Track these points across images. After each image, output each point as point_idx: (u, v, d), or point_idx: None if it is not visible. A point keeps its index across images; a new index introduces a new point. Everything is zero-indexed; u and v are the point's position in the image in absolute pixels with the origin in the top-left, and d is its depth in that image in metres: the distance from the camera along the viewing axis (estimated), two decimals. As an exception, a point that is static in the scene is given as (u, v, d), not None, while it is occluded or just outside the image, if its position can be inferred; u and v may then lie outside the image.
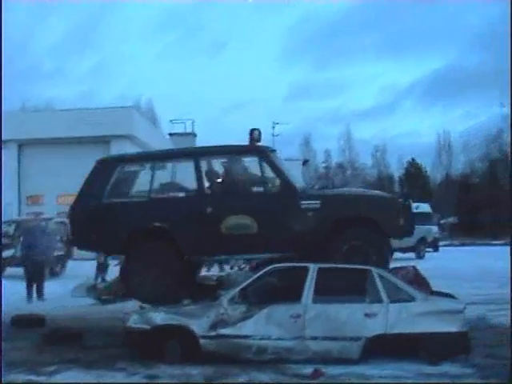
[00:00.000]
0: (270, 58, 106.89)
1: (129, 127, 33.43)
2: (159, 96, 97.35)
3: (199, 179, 10.23)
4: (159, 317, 9.00)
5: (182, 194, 10.49)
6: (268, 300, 8.89)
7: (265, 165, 10.21)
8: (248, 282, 9.16)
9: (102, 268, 19.76)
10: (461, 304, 9.01)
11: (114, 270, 18.61)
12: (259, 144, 10.98)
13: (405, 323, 8.62)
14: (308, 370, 8.15)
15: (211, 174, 10.45)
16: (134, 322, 9.12)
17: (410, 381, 7.80)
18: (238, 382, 7.84)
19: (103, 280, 18.80)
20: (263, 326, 8.66)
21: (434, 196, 61.36)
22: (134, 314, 9.41)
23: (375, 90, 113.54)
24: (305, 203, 10.04)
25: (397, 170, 71.13)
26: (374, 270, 9.02)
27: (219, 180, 10.51)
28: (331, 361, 8.47)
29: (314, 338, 8.60)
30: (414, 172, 70.15)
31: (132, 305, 9.69)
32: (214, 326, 8.72)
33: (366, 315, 8.63)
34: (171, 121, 44.11)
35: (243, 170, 10.59)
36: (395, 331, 8.57)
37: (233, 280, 10.00)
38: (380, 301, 8.74)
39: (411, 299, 8.82)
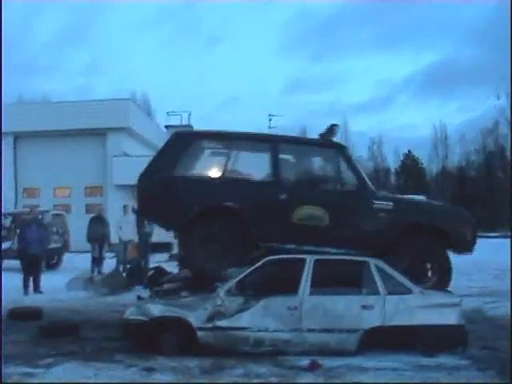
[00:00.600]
0: (266, 52, 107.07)
1: (125, 119, 33.40)
2: (155, 90, 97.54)
3: (275, 165, 10.15)
4: (156, 308, 8.99)
5: (256, 178, 10.35)
6: (265, 292, 8.92)
7: (342, 160, 10.23)
8: (245, 273, 9.17)
9: (97, 261, 19.79)
10: (457, 297, 9.08)
11: (109, 263, 18.73)
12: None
13: (402, 315, 8.68)
14: (305, 362, 8.17)
15: (288, 162, 10.45)
16: (131, 313, 9.12)
17: (407, 373, 7.83)
18: (235, 375, 7.83)
19: (99, 273, 18.86)
20: (260, 318, 8.69)
21: (431, 188, 61.52)
22: (131, 305, 9.42)
23: (372, 84, 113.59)
24: (378, 203, 10.06)
25: (393, 163, 71.23)
26: (372, 262, 9.07)
27: (295, 169, 10.53)
28: (328, 353, 8.51)
29: (311, 330, 8.64)
30: (410, 164, 70.30)
31: (129, 297, 9.69)
32: (211, 318, 8.74)
33: (363, 307, 8.68)
34: (168, 113, 44.00)
35: (320, 163, 10.66)
36: (392, 323, 8.63)
37: (230, 271, 10.00)
38: (377, 293, 8.80)
39: (408, 292, 8.88)
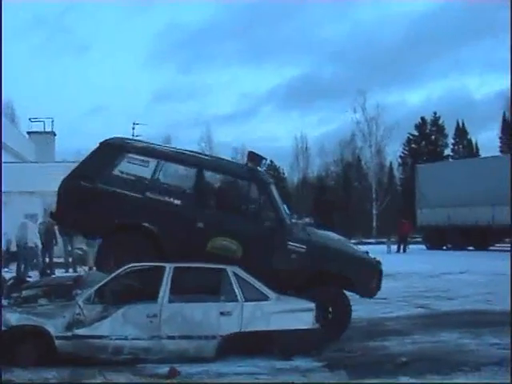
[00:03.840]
0: (135, 62, 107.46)
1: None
2: (21, 96, 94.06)
3: (197, 191, 10.20)
4: (14, 317, 8.72)
5: (177, 202, 10.19)
6: (125, 300, 8.90)
7: (264, 196, 10.33)
8: (104, 281, 9.11)
9: None
10: (312, 303, 9.39)
11: None
12: (261, 172, 11.01)
13: (259, 321, 8.91)
14: (164, 369, 8.22)
15: (210, 189, 10.41)
16: (-15, 323, 8.83)
17: (263, 376, 8.07)
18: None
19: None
20: (119, 326, 8.66)
21: (292, 197, 62.99)
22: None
23: (236, 96, 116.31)
24: (292, 244, 10.18)
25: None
26: (230, 270, 9.25)
27: (217, 199, 10.45)
28: (187, 360, 8.59)
29: (171, 338, 8.71)
30: (272, 174, 71.65)
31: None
32: (69, 327, 8.61)
33: (222, 314, 8.85)
34: (30, 119, 42.91)
35: (242, 195, 10.59)
36: (250, 329, 8.84)
37: (90, 280, 9.90)
38: (235, 300, 8.99)
39: (265, 298, 9.13)
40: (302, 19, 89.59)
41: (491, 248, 35.06)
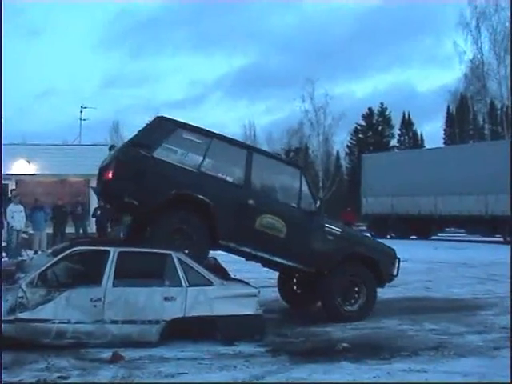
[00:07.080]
0: (85, 46, 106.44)
1: None
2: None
3: (248, 170, 10.50)
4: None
5: (229, 179, 10.46)
6: (69, 283, 8.89)
7: (304, 182, 10.88)
8: (48, 264, 9.04)
9: None
10: (255, 288, 9.55)
11: None
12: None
13: (202, 306, 8.98)
14: (107, 354, 8.21)
15: (259, 172, 10.66)
16: None
17: (205, 361, 8.11)
18: (36, 369, 7.68)
19: None
20: (63, 310, 8.60)
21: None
22: None
23: (186, 82, 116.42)
24: (328, 226, 10.89)
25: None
26: (174, 255, 9.27)
27: (265, 179, 10.90)
28: (131, 344, 8.61)
29: (114, 322, 8.71)
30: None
31: None
32: (12, 310, 8.52)
33: (166, 299, 8.88)
34: (-26, 101, 41.95)
35: (286, 180, 11.16)
36: (193, 314, 8.91)
37: (34, 264, 9.82)
38: (179, 285, 9.03)
39: (209, 283, 9.20)
40: (251, 8, 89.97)
41: (433, 237, 35.75)
